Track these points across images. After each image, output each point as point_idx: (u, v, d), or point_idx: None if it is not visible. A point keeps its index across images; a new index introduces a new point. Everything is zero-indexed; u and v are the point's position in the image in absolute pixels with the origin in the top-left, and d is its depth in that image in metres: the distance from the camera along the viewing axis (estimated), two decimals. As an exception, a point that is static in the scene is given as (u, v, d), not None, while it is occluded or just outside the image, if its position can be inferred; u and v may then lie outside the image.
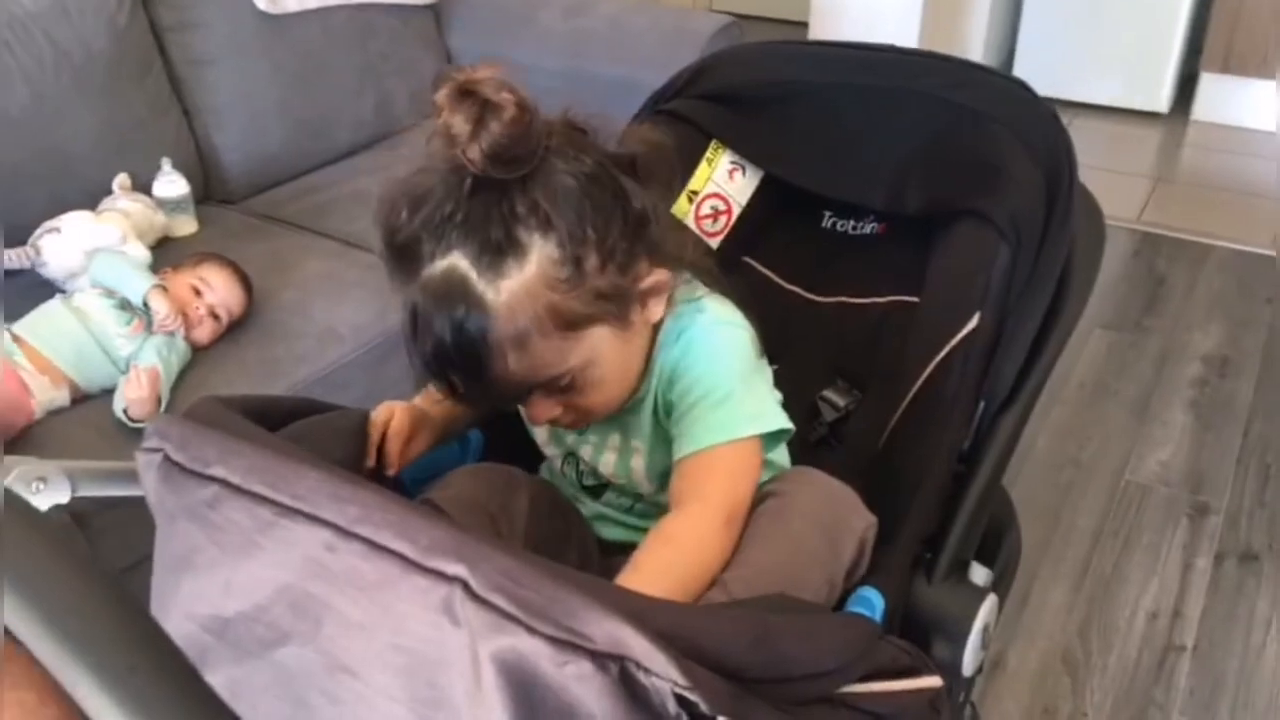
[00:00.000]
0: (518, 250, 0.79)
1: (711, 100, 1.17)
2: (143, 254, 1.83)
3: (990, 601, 0.88)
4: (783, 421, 0.92)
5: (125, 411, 1.52)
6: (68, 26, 1.95)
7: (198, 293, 1.71)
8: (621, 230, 0.83)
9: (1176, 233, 3.15)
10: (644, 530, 0.94)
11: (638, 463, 0.97)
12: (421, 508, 0.62)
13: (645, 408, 0.94)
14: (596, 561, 0.98)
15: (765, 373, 0.97)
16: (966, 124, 1.01)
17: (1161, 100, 3.81)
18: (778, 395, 0.97)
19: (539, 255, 0.80)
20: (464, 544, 0.58)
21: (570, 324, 0.82)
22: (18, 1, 1.91)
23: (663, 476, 0.95)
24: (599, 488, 1.02)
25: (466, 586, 0.56)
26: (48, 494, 0.71)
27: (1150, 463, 2.22)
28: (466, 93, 0.77)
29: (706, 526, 0.84)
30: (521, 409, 0.92)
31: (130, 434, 1.54)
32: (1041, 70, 3.89)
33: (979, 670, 0.91)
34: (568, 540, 0.97)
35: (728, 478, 0.87)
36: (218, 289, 1.73)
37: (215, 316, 1.72)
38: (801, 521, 0.86)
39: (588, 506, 1.03)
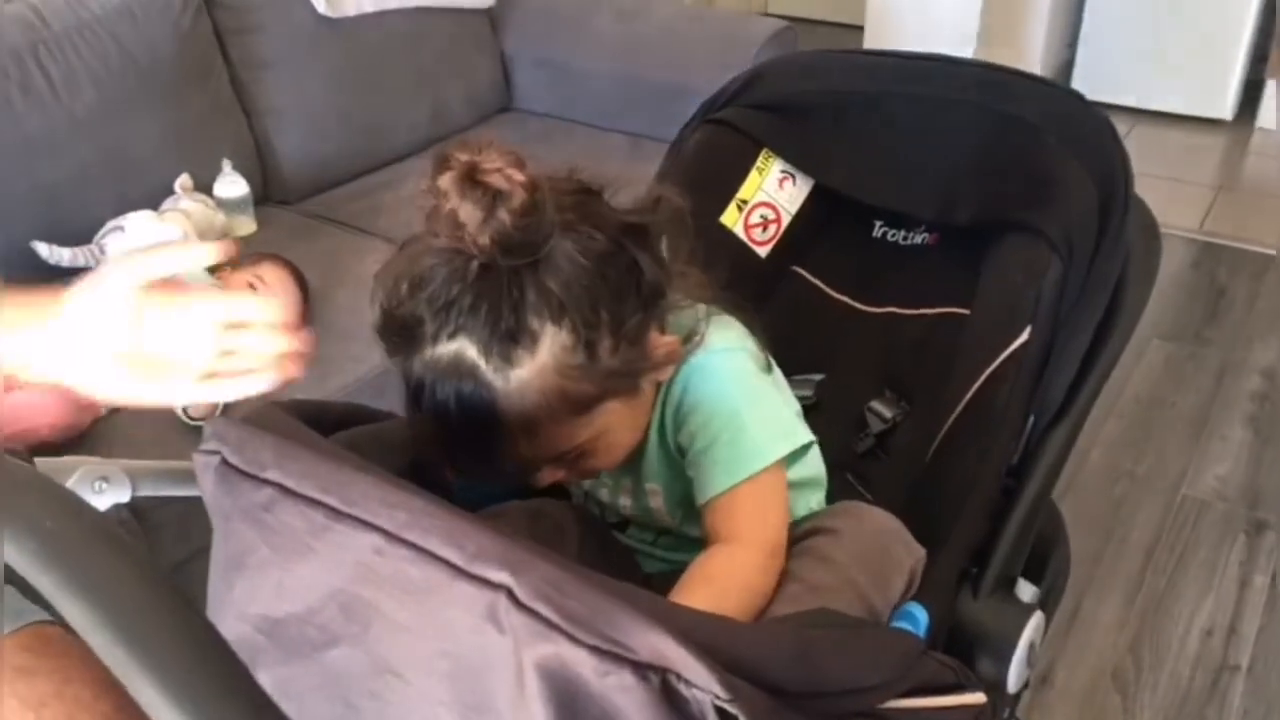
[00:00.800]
0: (529, 339, 0.76)
1: (763, 109, 1.17)
2: (204, 252, 1.86)
3: (1037, 619, 0.88)
4: (800, 438, 0.91)
5: (185, 410, 1.55)
6: (133, 30, 1.99)
7: (254, 290, 1.74)
8: (634, 307, 0.80)
9: (1238, 243, 3.09)
10: (673, 561, 0.95)
11: (656, 502, 0.95)
12: (469, 515, 0.63)
13: (651, 450, 0.92)
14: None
15: (778, 384, 0.95)
16: (1020, 136, 1.01)
17: (1225, 108, 3.74)
18: (795, 405, 0.96)
19: (551, 343, 0.76)
20: (510, 551, 0.59)
21: (582, 407, 0.80)
22: (85, 6, 1.96)
23: (684, 507, 0.94)
24: (622, 523, 1.01)
25: (511, 594, 0.57)
26: (109, 493, 0.74)
27: (1207, 477, 2.18)
28: (474, 181, 0.74)
29: (749, 565, 0.83)
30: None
31: (189, 430, 1.58)
32: (1102, 76, 3.84)
33: (1024, 687, 0.90)
34: (620, 573, 0.97)
35: (757, 513, 0.86)
36: (274, 287, 1.77)
37: None
38: (850, 561, 0.84)
39: (632, 538, 1.02)
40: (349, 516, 0.63)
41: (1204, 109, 3.77)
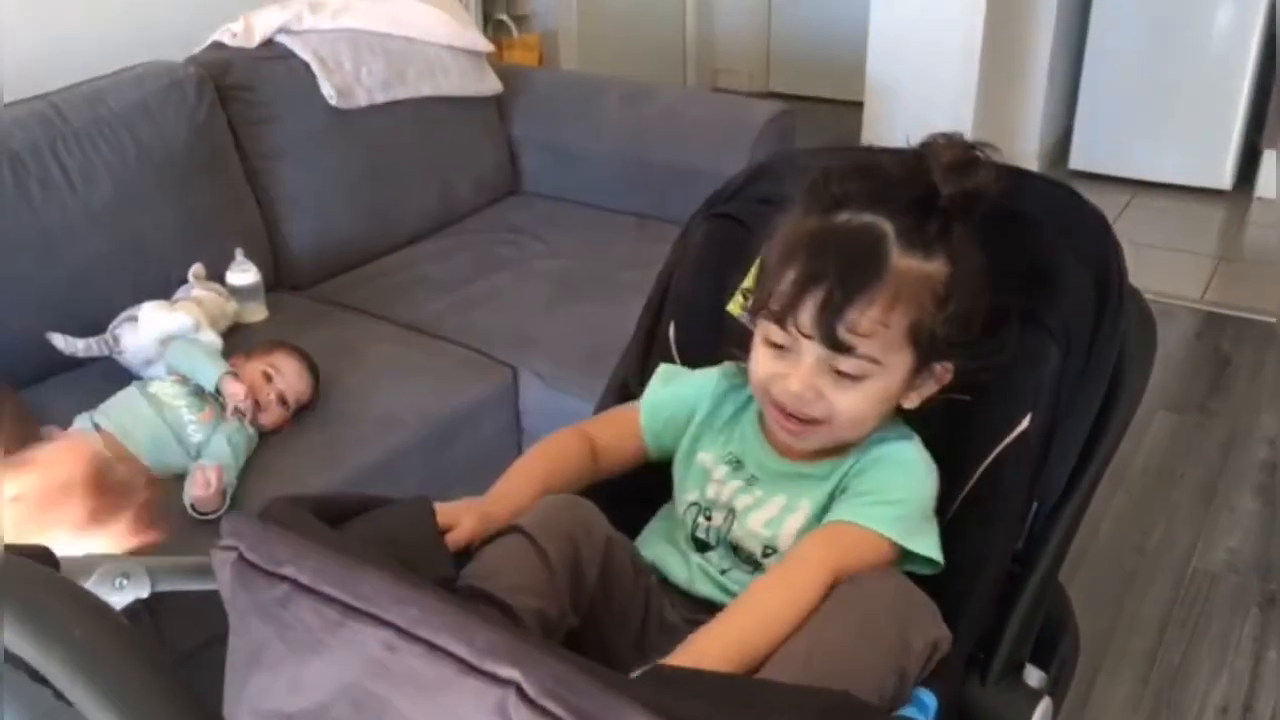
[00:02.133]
0: (931, 251, 0.93)
1: (764, 203, 1.20)
2: (215, 341, 1.90)
3: (1045, 705, 0.88)
4: (937, 555, 0.96)
5: (192, 506, 1.57)
6: (150, 124, 2.05)
7: (269, 379, 1.77)
8: (975, 310, 0.96)
9: (1241, 312, 3.11)
10: (733, 593, 0.99)
11: (794, 522, 1.01)
12: (482, 610, 0.64)
13: (829, 482, 1.01)
14: (661, 610, 1.01)
15: (934, 520, 1.00)
16: (1017, 228, 1.03)
17: (1224, 177, 3.79)
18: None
19: (937, 268, 0.93)
20: (518, 648, 0.60)
21: (907, 331, 0.93)
22: (103, 102, 2.02)
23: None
24: (707, 545, 1.05)
25: (520, 690, 0.58)
26: (129, 589, 0.75)
27: (1218, 550, 2.17)
28: (967, 146, 0.95)
29: (811, 576, 0.90)
30: (789, 365, 0.98)
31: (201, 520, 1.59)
32: (1099, 148, 3.90)
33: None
34: (636, 585, 1.00)
35: (855, 551, 0.94)
36: (288, 376, 1.79)
37: (284, 403, 1.77)
38: (875, 605, 0.88)
39: (688, 558, 1.06)
40: (361, 612, 0.64)
41: (1202, 179, 3.82)
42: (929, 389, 0.99)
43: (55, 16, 2.22)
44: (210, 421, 1.67)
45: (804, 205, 0.97)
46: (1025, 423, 0.97)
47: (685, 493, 1.08)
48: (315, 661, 0.66)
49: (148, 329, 1.87)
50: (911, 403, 1.00)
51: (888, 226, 0.93)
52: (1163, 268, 3.35)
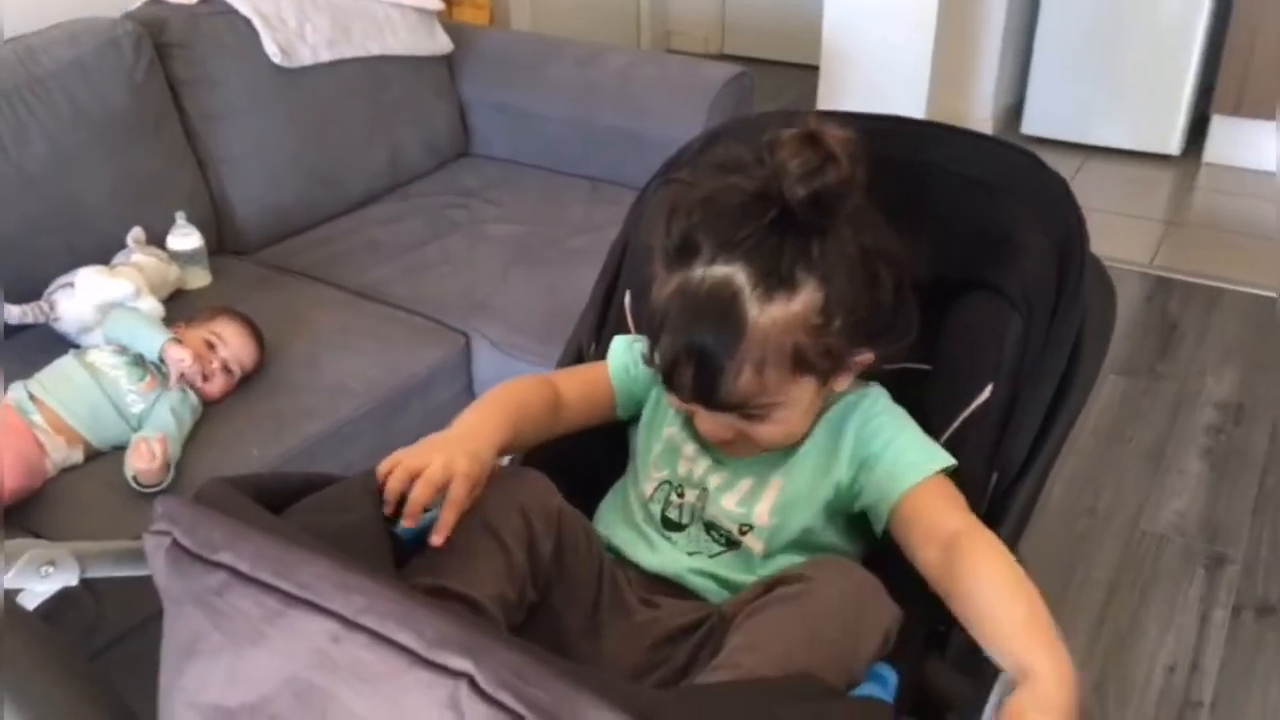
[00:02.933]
0: (792, 286, 0.88)
1: (722, 169, 1.17)
2: (156, 308, 1.85)
3: (1005, 677, 0.87)
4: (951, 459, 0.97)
5: (135, 478, 1.52)
6: (85, 84, 1.97)
7: (211, 347, 1.72)
8: (865, 308, 0.91)
9: (1189, 277, 3.14)
10: (697, 571, 0.98)
11: (768, 499, 0.99)
12: (429, 600, 0.61)
13: (795, 455, 0.99)
14: (616, 588, 0.98)
15: None
16: (977, 197, 1.02)
17: (1173, 143, 3.82)
18: None
19: (807, 298, 0.88)
20: (471, 638, 0.58)
21: (799, 366, 0.90)
22: (37, 62, 1.93)
23: (788, 512, 0.99)
24: (677, 524, 1.03)
25: (473, 682, 0.56)
26: (56, 577, 0.71)
27: (1166, 512, 2.20)
28: (813, 141, 0.87)
29: (988, 539, 0.88)
30: (696, 418, 0.98)
31: (139, 494, 1.54)
32: (1052, 113, 3.91)
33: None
34: (590, 554, 0.97)
35: (956, 498, 0.93)
36: (231, 343, 1.74)
37: (228, 371, 1.73)
38: (822, 612, 0.85)
39: (652, 540, 1.03)
40: (303, 601, 0.62)
41: (1152, 145, 3.85)
42: (852, 375, 0.98)
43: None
44: (152, 391, 1.62)
45: (661, 256, 0.93)
46: (987, 393, 0.96)
47: (654, 469, 1.05)
48: (255, 652, 0.63)
49: (85, 295, 1.80)
50: (842, 386, 0.98)
51: (741, 278, 0.88)
52: (1112, 232, 3.36)
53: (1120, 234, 3.38)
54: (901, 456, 0.95)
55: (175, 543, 0.67)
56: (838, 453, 0.99)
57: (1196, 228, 3.52)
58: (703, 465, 1.03)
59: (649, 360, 0.95)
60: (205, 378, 1.69)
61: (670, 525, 1.03)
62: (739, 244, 0.87)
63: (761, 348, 0.88)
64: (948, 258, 1.06)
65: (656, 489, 1.04)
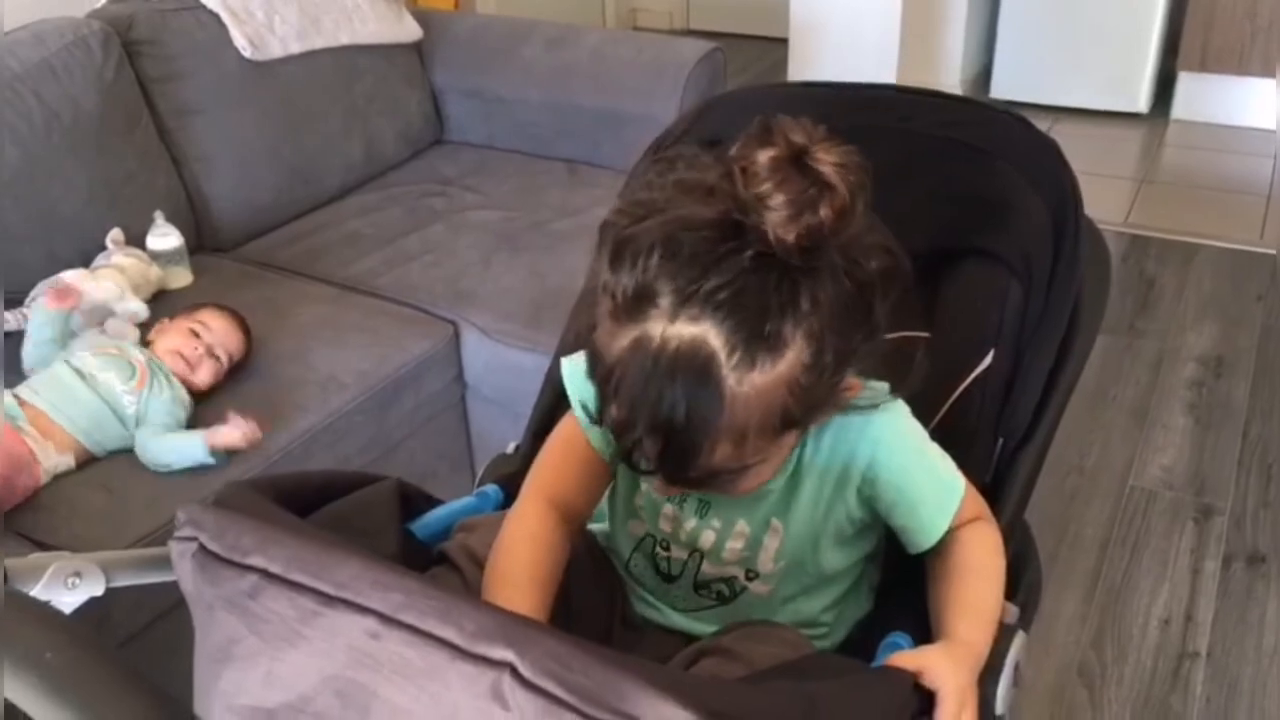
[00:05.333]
0: (779, 346, 0.71)
1: (711, 145, 1.17)
2: (140, 308, 1.83)
3: (1020, 639, 0.89)
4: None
5: (217, 452, 1.56)
6: (55, 85, 1.94)
7: (195, 335, 1.71)
8: (859, 344, 0.77)
9: (1164, 234, 3.17)
10: (696, 623, 0.95)
11: (772, 542, 0.91)
12: (467, 594, 0.62)
13: (802, 495, 0.90)
14: (619, 618, 0.99)
15: None
16: (969, 162, 1.02)
17: (1140, 101, 3.85)
18: None
19: (794, 355, 0.72)
20: (511, 628, 0.58)
21: (787, 424, 0.75)
22: (4, 64, 1.90)
23: (796, 554, 0.92)
24: (671, 576, 0.97)
25: (515, 671, 0.57)
26: (82, 588, 0.71)
27: (1153, 467, 2.23)
28: (800, 165, 0.70)
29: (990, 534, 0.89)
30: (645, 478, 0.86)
31: (147, 491, 1.54)
32: (1020, 77, 3.93)
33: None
34: (601, 590, 0.96)
35: (976, 503, 0.91)
36: (215, 330, 1.74)
37: (215, 357, 1.71)
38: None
39: (644, 592, 0.99)
40: (340, 600, 0.62)
41: (1120, 104, 3.87)
42: (842, 405, 0.82)
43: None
44: (143, 390, 1.61)
45: (608, 300, 0.74)
46: (989, 359, 0.97)
47: (630, 521, 0.97)
48: (293, 653, 0.63)
49: (67, 300, 1.78)
50: (826, 418, 0.84)
51: (715, 342, 0.70)
52: (1086, 192, 3.37)
53: (1094, 194, 3.33)
54: (919, 513, 0.88)
55: (202, 548, 0.67)
56: (845, 485, 0.89)
57: (1168, 185, 3.56)
58: (689, 526, 0.92)
59: (597, 419, 0.78)
60: (192, 366, 1.68)
61: (665, 578, 0.97)
62: (709, 296, 0.69)
63: (743, 421, 0.72)
64: (941, 225, 1.07)
65: (642, 541, 0.97)
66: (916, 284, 1.10)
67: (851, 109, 1.12)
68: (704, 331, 0.70)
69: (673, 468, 0.75)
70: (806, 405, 0.75)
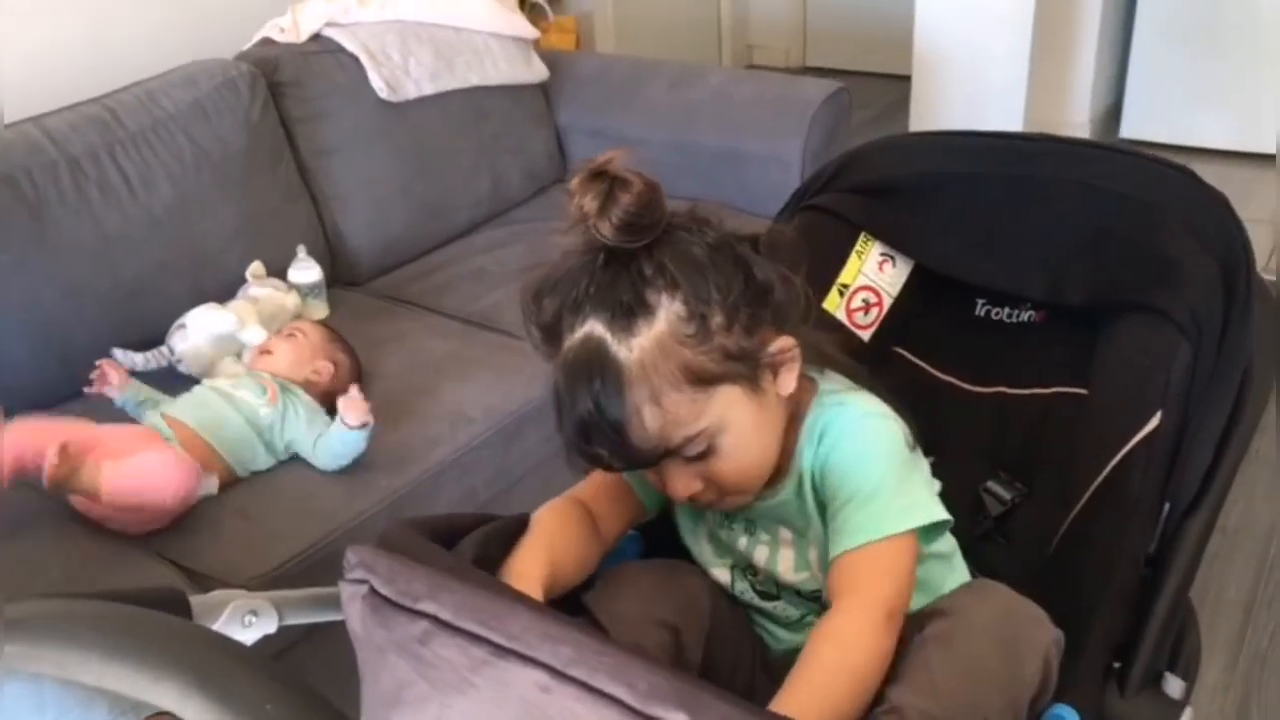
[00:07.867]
0: (646, 310, 0.82)
1: (859, 193, 1.16)
2: (259, 334, 1.88)
3: (1188, 715, 0.85)
4: (938, 513, 0.90)
5: (343, 419, 1.62)
6: (205, 125, 2.03)
7: (294, 338, 1.83)
8: (743, 293, 0.85)
9: (1307, 280, 3.03)
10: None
11: (814, 555, 0.94)
12: (636, 650, 0.62)
13: (808, 503, 0.93)
14: (759, 666, 0.98)
15: (920, 463, 0.94)
16: (1133, 215, 0.99)
17: (1274, 142, 3.70)
18: (936, 485, 0.95)
19: (666, 313, 0.82)
20: (684, 690, 0.58)
21: (700, 379, 0.84)
22: (158, 104, 2.00)
23: (825, 560, 0.92)
24: (772, 596, 0.99)
25: (689, 734, 0.56)
26: (258, 626, 0.74)
27: (1299, 528, 2.13)
28: (597, 174, 0.82)
29: (865, 622, 0.83)
30: (660, 481, 0.91)
31: (282, 519, 1.58)
32: (1151, 115, 3.82)
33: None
34: (741, 645, 0.95)
35: (882, 573, 0.86)
36: (310, 336, 1.85)
37: (324, 358, 1.82)
38: (976, 642, 0.83)
39: (762, 619, 1.00)
40: (510, 651, 0.62)
41: (1254, 144, 3.73)
42: (789, 373, 0.89)
43: (102, 15, 2.20)
44: (277, 404, 1.67)
45: (541, 354, 0.88)
46: (1155, 421, 0.94)
47: (711, 565, 1.00)
48: (462, 701, 0.64)
49: (196, 332, 1.86)
50: (788, 387, 0.90)
51: (599, 328, 0.82)
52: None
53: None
54: (846, 522, 0.87)
55: (373, 591, 0.68)
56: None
57: (1310, 229, 3.41)
58: (741, 545, 0.98)
59: (575, 460, 0.88)
60: (305, 363, 1.79)
61: (766, 599, 0.99)
62: (585, 298, 0.83)
63: (647, 383, 0.81)
64: (1101, 277, 1.04)
65: (735, 576, 1.00)
66: (1070, 338, 1.09)
67: (1007, 158, 1.10)
68: (590, 327, 0.83)
69: (624, 451, 0.84)
70: (716, 358, 0.84)
